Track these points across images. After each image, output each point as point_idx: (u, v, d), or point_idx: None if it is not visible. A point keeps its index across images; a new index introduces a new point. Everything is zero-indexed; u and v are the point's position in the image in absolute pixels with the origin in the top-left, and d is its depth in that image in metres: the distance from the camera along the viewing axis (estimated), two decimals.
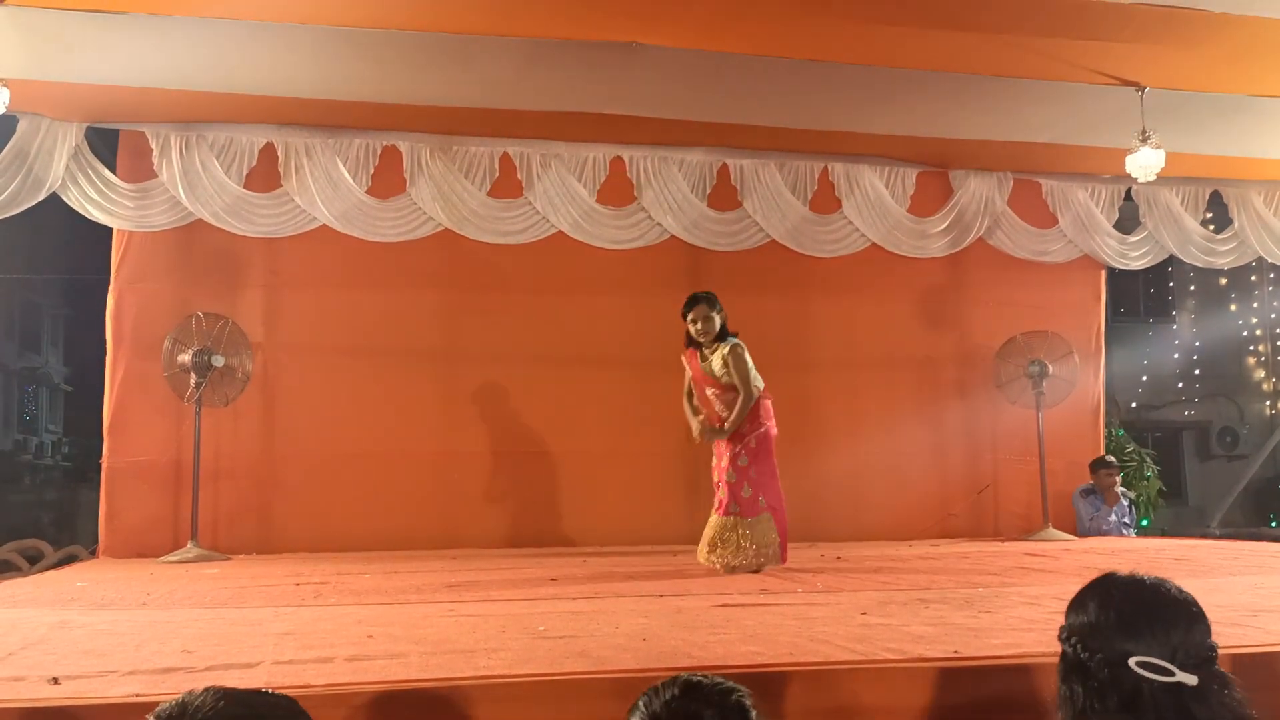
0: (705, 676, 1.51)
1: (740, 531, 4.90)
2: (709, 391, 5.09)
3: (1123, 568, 1.73)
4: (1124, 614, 1.61)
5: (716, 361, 5.04)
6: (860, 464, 7.51)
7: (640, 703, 1.48)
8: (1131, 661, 1.55)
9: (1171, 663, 1.55)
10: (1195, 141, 7.04)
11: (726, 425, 4.98)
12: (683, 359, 5.24)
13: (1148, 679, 1.54)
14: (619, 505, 7.12)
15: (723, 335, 5.08)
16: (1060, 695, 1.65)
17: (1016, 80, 6.25)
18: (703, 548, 5.01)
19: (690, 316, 5.10)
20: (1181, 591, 1.65)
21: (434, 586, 4.42)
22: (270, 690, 1.61)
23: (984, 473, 7.87)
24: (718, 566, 4.92)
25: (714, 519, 5.01)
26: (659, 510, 7.06)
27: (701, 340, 5.11)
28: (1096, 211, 8.11)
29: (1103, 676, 1.58)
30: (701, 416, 5.12)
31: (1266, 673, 2.31)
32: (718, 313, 5.09)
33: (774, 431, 5.09)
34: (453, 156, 7.12)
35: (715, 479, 5.10)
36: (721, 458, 5.05)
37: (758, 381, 5.04)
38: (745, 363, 5.00)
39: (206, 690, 1.43)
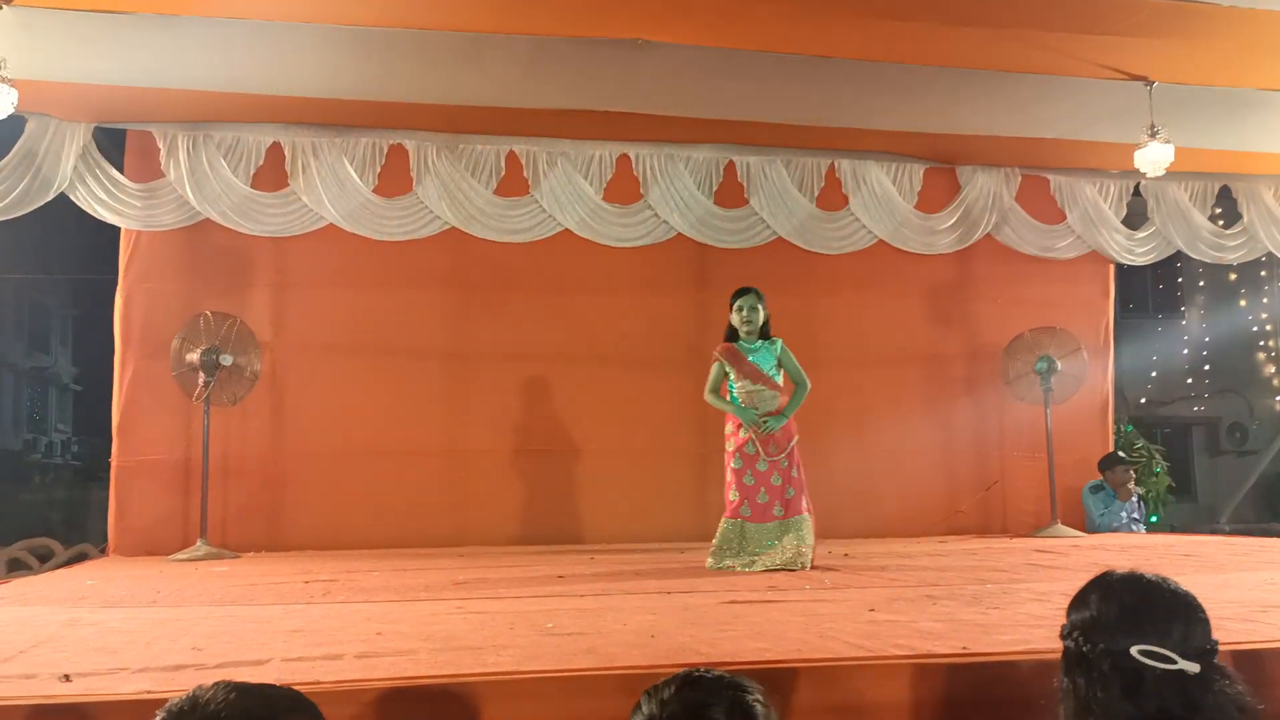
0: (708, 671, 1.51)
1: (789, 532, 4.91)
2: (754, 387, 5.06)
3: (1129, 564, 1.73)
4: (1125, 608, 1.61)
5: (766, 357, 5.09)
6: (868, 461, 7.50)
7: (644, 698, 1.48)
8: (1134, 650, 1.55)
9: None
10: (1204, 136, 7.02)
11: (786, 410, 5.04)
12: (716, 353, 5.19)
13: (1150, 667, 1.54)
14: (626, 502, 7.12)
15: (765, 332, 5.14)
16: (1062, 688, 1.65)
17: (1024, 75, 6.24)
18: (737, 558, 4.90)
19: (738, 305, 5.12)
20: (1181, 588, 1.65)
21: (442, 584, 4.42)
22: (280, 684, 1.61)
23: (992, 469, 7.85)
24: (760, 571, 4.79)
25: (751, 527, 4.94)
26: (665, 507, 7.06)
27: (745, 330, 5.12)
28: (1105, 207, 8.09)
29: (1105, 667, 1.58)
30: (754, 408, 5.04)
31: (1278, 668, 2.30)
32: (763, 307, 5.13)
33: None
34: (459, 155, 7.13)
35: (750, 483, 4.99)
36: (757, 463, 5.00)
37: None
38: (795, 361, 5.15)
39: (216, 684, 1.44)
